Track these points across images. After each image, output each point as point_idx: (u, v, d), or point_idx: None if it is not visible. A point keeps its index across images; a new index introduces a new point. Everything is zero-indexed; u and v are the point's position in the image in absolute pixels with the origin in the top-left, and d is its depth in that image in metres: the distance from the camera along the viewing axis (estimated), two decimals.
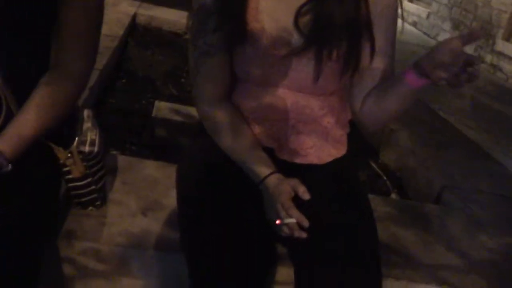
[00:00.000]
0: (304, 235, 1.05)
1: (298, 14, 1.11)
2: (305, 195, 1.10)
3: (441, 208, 1.98)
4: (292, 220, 1.05)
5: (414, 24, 8.52)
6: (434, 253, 1.57)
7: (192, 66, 1.17)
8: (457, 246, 1.64)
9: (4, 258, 0.95)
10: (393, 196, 2.31)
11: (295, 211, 1.06)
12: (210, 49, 1.11)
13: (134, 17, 3.77)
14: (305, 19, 1.11)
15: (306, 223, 1.05)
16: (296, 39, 1.11)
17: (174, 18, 4.01)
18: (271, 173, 1.14)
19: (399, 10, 1.17)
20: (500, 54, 7.66)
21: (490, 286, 1.47)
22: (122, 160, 1.62)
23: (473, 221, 1.85)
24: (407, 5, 8.77)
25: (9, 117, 1.04)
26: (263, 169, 1.15)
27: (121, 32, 3.16)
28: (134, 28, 3.75)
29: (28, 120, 1.04)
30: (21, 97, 1.06)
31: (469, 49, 8.40)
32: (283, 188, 1.10)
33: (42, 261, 1.06)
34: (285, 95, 1.18)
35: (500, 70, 7.59)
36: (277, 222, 1.06)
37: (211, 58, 1.12)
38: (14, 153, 1.00)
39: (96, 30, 1.12)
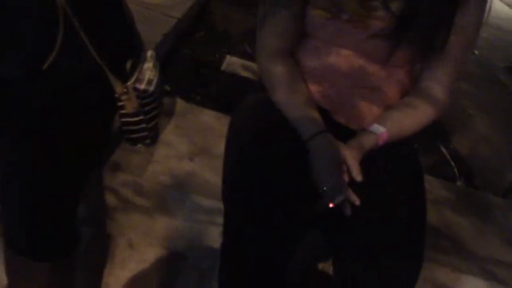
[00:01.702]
0: (348, 212, 1.01)
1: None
2: (358, 177, 1.05)
3: (507, 201, 1.85)
4: (341, 198, 1.02)
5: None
6: (488, 246, 1.47)
7: (260, 17, 1.14)
8: None
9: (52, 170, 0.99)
10: (459, 183, 2.19)
11: (346, 189, 1.03)
12: (281, 2, 1.08)
13: None
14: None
15: (357, 202, 1.02)
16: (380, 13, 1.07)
17: None
18: (321, 132, 1.10)
19: None
20: None
21: None
22: (181, 105, 1.64)
23: None
24: None
25: (70, 42, 1.06)
26: (313, 127, 1.11)
27: None
28: None
29: None
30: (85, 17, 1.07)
31: None
32: (337, 156, 1.06)
33: (87, 186, 1.09)
34: (351, 58, 1.13)
35: None
36: (330, 205, 1.03)
37: (282, 9, 1.09)
38: None
39: None
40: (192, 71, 2.36)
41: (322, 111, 1.15)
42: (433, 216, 1.09)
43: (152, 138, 1.36)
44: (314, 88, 1.17)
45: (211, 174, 1.32)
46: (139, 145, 1.35)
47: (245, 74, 2.19)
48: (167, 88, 2.09)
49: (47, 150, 1.02)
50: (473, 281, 1.34)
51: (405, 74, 1.17)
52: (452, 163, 2.31)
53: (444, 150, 2.42)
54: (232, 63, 2.28)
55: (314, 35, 1.14)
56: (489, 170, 2.17)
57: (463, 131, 2.49)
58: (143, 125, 1.32)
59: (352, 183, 1.04)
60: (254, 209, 1.02)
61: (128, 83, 1.23)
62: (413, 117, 1.15)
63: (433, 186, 1.75)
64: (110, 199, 1.25)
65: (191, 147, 1.41)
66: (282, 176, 1.07)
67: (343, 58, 1.13)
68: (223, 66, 2.24)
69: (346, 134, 1.13)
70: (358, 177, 1.05)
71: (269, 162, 1.08)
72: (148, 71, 1.34)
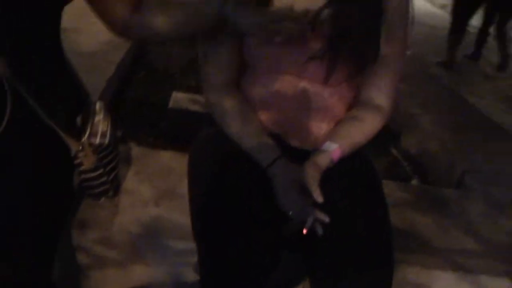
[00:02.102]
0: (320, 231, 1.05)
1: (316, 17, 1.11)
2: (319, 198, 1.09)
3: (461, 192, 1.95)
4: (310, 220, 1.05)
5: (443, 7, 8.30)
6: (451, 238, 1.54)
7: (201, 55, 1.17)
8: (475, 230, 1.61)
9: (18, 247, 0.98)
10: (414, 182, 2.28)
11: (312, 210, 1.06)
12: (221, 36, 1.11)
13: None
14: (323, 21, 1.11)
15: (327, 219, 1.05)
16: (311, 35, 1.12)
17: None
18: (277, 158, 1.13)
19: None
20: None
21: (508, 270, 1.44)
22: (136, 150, 1.65)
23: (492, 204, 1.82)
24: None
25: (19, 111, 1.06)
26: (269, 154, 1.15)
27: None
28: None
29: None
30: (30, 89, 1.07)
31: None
32: (297, 179, 1.09)
33: (57, 250, 1.08)
34: (294, 83, 1.18)
35: None
36: (304, 231, 1.06)
37: (222, 44, 1.13)
38: None
39: None
40: (140, 113, 2.37)
41: (275, 136, 1.19)
42: (396, 218, 1.15)
43: (114, 189, 1.36)
44: (264, 116, 1.20)
45: (179, 215, 1.34)
46: (103, 199, 1.34)
47: (194, 108, 2.22)
48: (119, 134, 2.08)
49: (12, 216, 1.01)
50: (442, 275, 1.40)
51: (348, 89, 1.23)
52: (404, 163, 2.40)
53: (394, 152, 2.52)
54: (179, 99, 2.30)
55: (256, 64, 1.18)
56: (439, 164, 2.27)
57: (409, 131, 2.60)
58: (104, 179, 1.31)
59: (314, 204, 1.08)
60: (226, 244, 1.04)
61: (82, 139, 1.23)
62: (362, 129, 1.21)
63: (390, 189, 1.82)
64: (82, 258, 1.24)
65: (154, 192, 1.42)
66: (249, 206, 1.10)
67: (286, 84, 1.17)
68: (171, 104, 2.26)
69: (301, 156, 1.17)
70: (319, 199, 1.08)
71: (234, 194, 1.11)
72: (100, 124, 1.34)
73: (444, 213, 1.68)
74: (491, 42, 5.62)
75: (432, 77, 3.36)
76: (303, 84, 1.17)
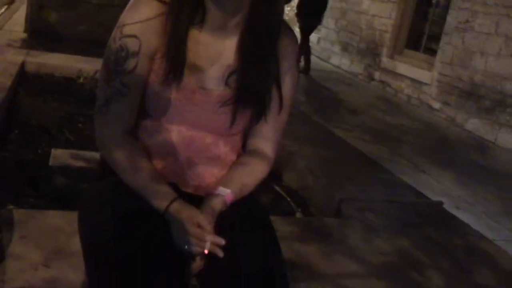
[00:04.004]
0: (221, 254, 1.10)
1: (225, 71, 1.20)
2: (214, 239, 1.14)
3: (340, 220, 2.12)
4: (208, 245, 1.10)
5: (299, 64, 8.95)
6: (335, 263, 1.67)
7: (100, 105, 1.17)
8: (356, 253, 1.76)
9: None
10: (298, 215, 2.42)
11: (209, 236, 1.11)
12: (124, 89, 1.15)
13: (22, 65, 3.66)
14: (231, 75, 1.21)
15: (223, 242, 1.10)
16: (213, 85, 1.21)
17: (66, 63, 3.94)
18: (172, 201, 1.17)
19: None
20: (387, 70, 8.25)
21: (388, 286, 1.60)
22: (19, 213, 1.58)
23: (368, 228, 2.00)
24: (296, 31, 9.25)
25: None
26: (164, 201, 1.18)
27: (9, 82, 3.06)
28: (23, 77, 3.63)
29: None
30: None
31: (358, 67, 8.97)
32: (187, 216, 1.14)
33: None
34: (192, 133, 1.24)
35: (389, 85, 8.17)
36: (205, 251, 1.10)
37: (123, 97, 1.16)
38: None
39: None
40: (17, 174, 2.26)
41: (171, 185, 1.23)
42: (284, 250, 1.24)
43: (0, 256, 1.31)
44: (159, 164, 1.24)
45: (73, 274, 1.31)
46: None
47: (77, 164, 2.17)
48: None
49: None
50: None
51: (241, 139, 1.33)
52: (288, 199, 2.55)
53: (278, 189, 2.65)
54: (59, 155, 2.24)
55: (154, 115, 1.23)
56: (318, 197, 2.44)
57: (289, 168, 2.76)
58: None
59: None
60: None
61: None
62: (251, 174, 1.30)
63: (277, 224, 1.91)
64: None
65: (43, 253, 1.38)
66: (149, 255, 1.11)
67: (184, 134, 1.24)
68: (51, 161, 2.19)
69: (196, 202, 1.23)
70: (214, 240, 1.13)
71: (129, 245, 1.12)
72: None
73: (327, 241, 1.82)
74: None
75: (300, 115, 3.61)
76: (201, 134, 1.25)
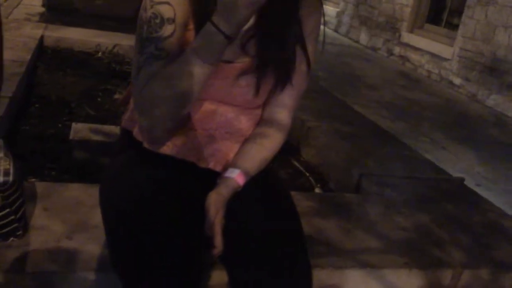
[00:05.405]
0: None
1: (243, 38, 1.16)
2: (208, 230, 1.13)
3: (359, 196, 2.10)
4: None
5: (325, 23, 8.83)
6: (355, 239, 1.67)
7: (134, 75, 1.14)
8: (376, 229, 1.75)
9: None
10: (317, 190, 2.41)
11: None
12: (160, 53, 1.12)
13: (41, 39, 3.67)
14: (249, 42, 1.17)
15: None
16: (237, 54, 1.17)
17: (84, 37, 3.94)
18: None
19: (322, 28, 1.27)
20: (407, 45, 8.11)
21: (409, 262, 1.59)
22: (41, 186, 1.60)
23: (388, 204, 1.98)
24: None
25: None
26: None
27: (28, 56, 3.07)
28: (42, 51, 3.64)
29: None
30: None
31: (377, 42, 8.84)
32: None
33: None
34: (215, 107, 1.23)
35: (408, 60, 8.04)
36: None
37: (158, 60, 1.12)
38: None
39: None
40: (38, 147, 2.28)
41: (189, 164, 1.22)
42: (305, 226, 1.24)
43: (23, 227, 1.32)
44: (179, 139, 1.23)
45: (95, 246, 1.33)
46: (11, 239, 1.30)
47: (97, 138, 2.18)
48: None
49: None
50: (352, 273, 1.51)
51: (259, 111, 1.31)
52: (307, 174, 2.54)
53: (297, 164, 2.65)
54: (80, 129, 2.25)
55: None
56: (338, 172, 2.43)
57: (308, 144, 2.75)
58: (12, 217, 1.28)
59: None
60: (149, 272, 1.05)
61: None
62: (266, 147, 1.28)
63: (297, 199, 1.91)
64: None
65: (65, 226, 1.39)
66: (168, 228, 1.12)
67: (205, 108, 1.22)
68: (71, 135, 2.20)
69: (215, 178, 1.22)
70: (209, 231, 1.13)
71: (151, 218, 1.13)
72: (2, 162, 1.31)
73: (347, 217, 1.81)
74: None
75: (320, 91, 3.57)
76: (224, 108, 1.23)
